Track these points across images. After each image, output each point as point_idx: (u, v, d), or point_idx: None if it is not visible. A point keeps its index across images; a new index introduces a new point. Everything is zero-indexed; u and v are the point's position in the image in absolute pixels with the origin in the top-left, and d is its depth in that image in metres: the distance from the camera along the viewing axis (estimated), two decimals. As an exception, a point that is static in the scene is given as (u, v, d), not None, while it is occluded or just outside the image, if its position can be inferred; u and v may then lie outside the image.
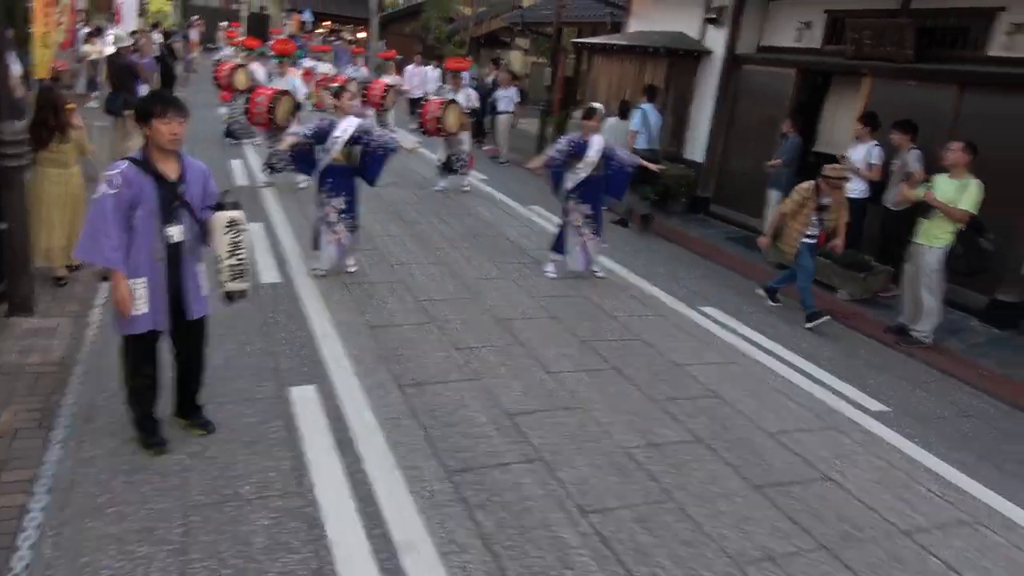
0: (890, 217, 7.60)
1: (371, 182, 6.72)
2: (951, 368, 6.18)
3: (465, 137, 10.61)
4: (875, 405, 5.36)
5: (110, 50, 11.52)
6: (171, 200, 3.63)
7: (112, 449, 3.85)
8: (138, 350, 3.75)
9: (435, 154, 11.16)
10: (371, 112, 12.79)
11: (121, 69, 10.27)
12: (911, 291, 6.62)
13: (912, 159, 7.33)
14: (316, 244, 6.73)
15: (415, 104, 16.05)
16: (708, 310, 6.97)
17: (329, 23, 40.36)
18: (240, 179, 10.22)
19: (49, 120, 5.55)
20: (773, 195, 9.29)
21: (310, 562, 3.20)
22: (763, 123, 9.92)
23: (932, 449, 4.79)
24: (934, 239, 6.35)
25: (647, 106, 9.93)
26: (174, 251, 3.68)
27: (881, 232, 7.80)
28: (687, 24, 11.07)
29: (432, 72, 16.59)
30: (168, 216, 3.62)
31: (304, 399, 4.54)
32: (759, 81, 10.16)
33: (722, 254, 9.06)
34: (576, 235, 7.38)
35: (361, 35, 31.70)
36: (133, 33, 13.65)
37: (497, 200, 10.68)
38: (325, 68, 17.11)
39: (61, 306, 5.50)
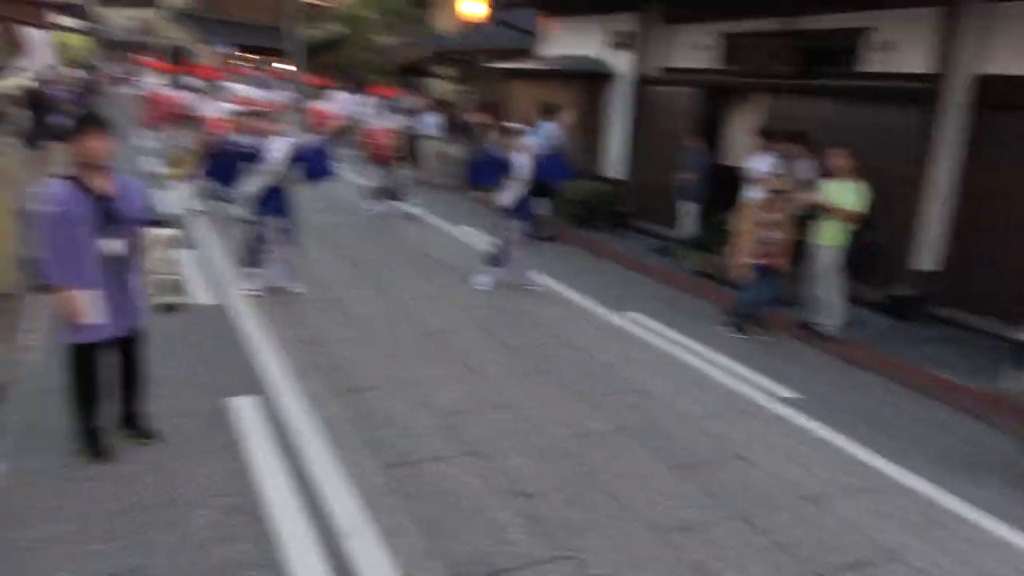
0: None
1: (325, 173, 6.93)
2: (851, 355, 6.72)
3: (404, 164, 10.84)
4: (785, 392, 5.81)
5: (27, 83, 11.34)
6: (108, 215, 3.77)
7: (56, 464, 3.92)
8: (83, 359, 3.85)
9: (364, 180, 11.35)
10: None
11: (39, 100, 10.14)
12: (813, 289, 7.17)
13: (803, 167, 7.95)
14: (252, 262, 6.84)
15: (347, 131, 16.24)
16: (634, 316, 7.35)
17: (251, 55, 40.11)
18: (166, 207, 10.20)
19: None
20: (686, 207, 9.87)
21: (252, 551, 3.37)
22: (672, 139, 10.50)
23: (835, 427, 5.24)
24: (828, 239, 6.91)
25: (547, 124, 10.44)
26: (115, 264, 3.82)
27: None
28: (594, 48, 11.64)
29: (361, 99, 16.82)
30: (107, 230, 3.76)
31: (243, 408, 4.68)
32: (666, 100, 10.77)
33: (646, 266, 9.45)
34: (513, 248, 7.72)
35: (290, 67, 31.63)
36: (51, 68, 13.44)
37: (427, 223, 10.94)
38: (256, 94, 17.20)
39: (-11, 334, 5.48)
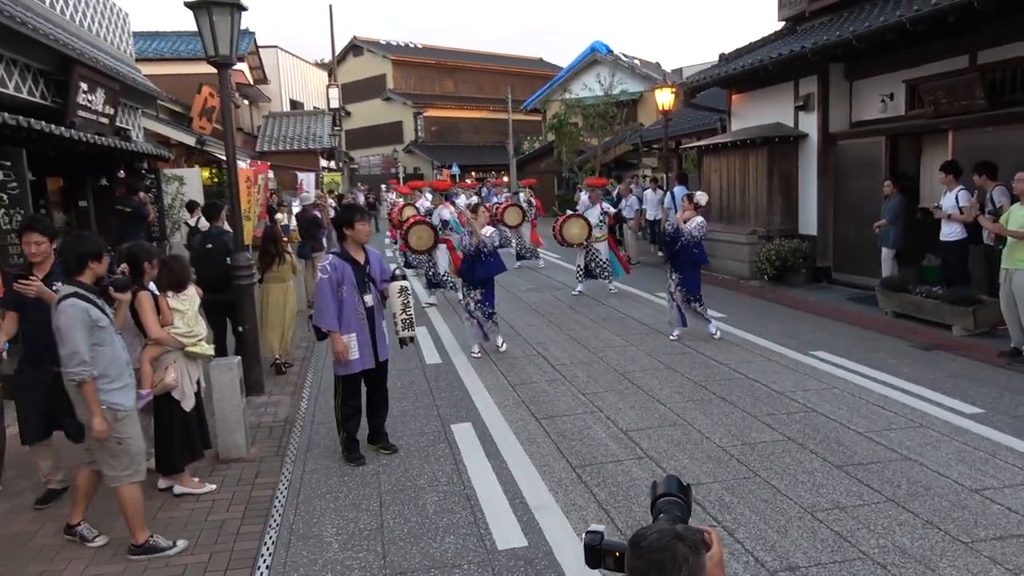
0: (991, 252, 8.04)
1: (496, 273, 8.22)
2: (1058, 377, 6.48)
3: (600, 247, 11.85)
4: (969, 409, 5.84)
5: (297, 209, 14.15)
6: (363, 277, 5.19)
7: (326, 465, 5.27)
8: (348, 387, 5.23)
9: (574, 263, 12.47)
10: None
11: (308, 222, 12.68)
12: (1011, 314, 7.04)
13: (997, 195, 7.86)
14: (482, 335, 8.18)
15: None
16: (817, 353, 7.64)
17: (475, 172, 44.58)
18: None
19: (271, 249, 7.54)
20: (885, 252, 9.89)
21: (466, 518, 4.36)
22: (865, 190, 10.62)
23: (1016, 434, 5.24)
24: (1018, 261, 6.84)
25: (678, 188, 11.12)
26: (369, 312, 5.20)
27: (987, 267, 8.21)
28: (782, 114, 12.16)
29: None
30: (363, 288, 5.17)
31: (461, 430, 5.81)
32: (854, 153, 10.96)
33: (842, 312, 9.63)
34: (670, 298, 8.45)
35: (504, 179, 35.07)
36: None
37: (626, 291, 11.86)
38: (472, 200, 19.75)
39: (281, 387, 7.21)
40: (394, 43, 50.60)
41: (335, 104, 35.23)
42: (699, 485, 4.64)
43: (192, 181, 14.59)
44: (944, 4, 7.91)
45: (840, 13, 11.64)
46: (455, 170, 40.97)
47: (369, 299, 5.23)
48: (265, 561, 3.99)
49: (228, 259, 7.44)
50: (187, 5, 6.51)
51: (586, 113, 26.21)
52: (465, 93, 49.62)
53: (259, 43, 28.46)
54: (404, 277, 5.27)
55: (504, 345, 8.29)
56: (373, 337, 5.25)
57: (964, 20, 8.04)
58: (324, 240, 12.35)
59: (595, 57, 31.13)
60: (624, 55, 32.40)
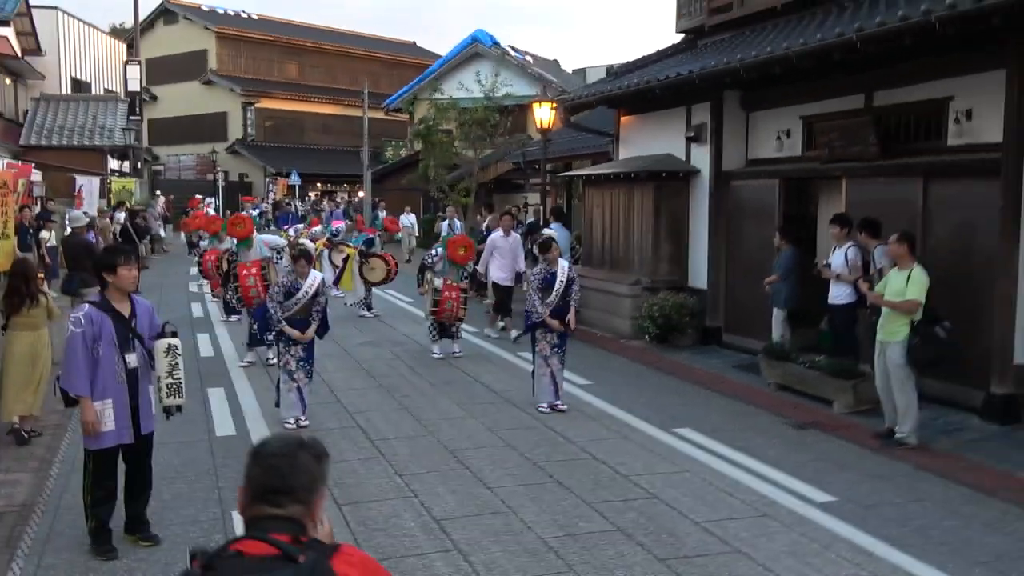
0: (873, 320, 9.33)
1: (320, 336, 8.88)
2: (926, 463, 7.67)
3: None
4: (821, 496, 6.89)
5: (66, 231, 14.30)
6: (126, 332, 5.69)
7: (69, 559, 5.69)
8: (100, 464, 5.68)
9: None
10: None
11: (77, 248, 12.89)
12: (886, 391, 8.25)
13: (878, 255, 9.17)
14: (278, 402, 8.73)
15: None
16: (681, 431, 8.63)
17: (320, 184, 44.91)
18: (205, 352, 12.50)
19: (21, 289, 7.87)
20: (776, 313, 11.14)
21: None
22: (759, 239, 11.92)
23: (860, 525, 6.29)
24: (892, 334, 8.07)
25: (555, 225, 12.22)
26: (131, 375, 5.69)
27: (871, 337, 9.49)
28: (673, 144, 13.45)
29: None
30: (125, 346, 5.66)
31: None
32: (750, 196, 12.30)
33: (723, 382, 10.77)
34: (544, 365, 9.26)
35: (361, 194, 35.58)
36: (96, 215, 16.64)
37: (482, 351, 12.68)
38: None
39: (23, 462, 7.51)
40: (221, 10, 50.68)
41: (135, 86, 34.93)
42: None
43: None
44: (829, 41, 9.26)
45: (742, 30, 13.10)
46: (294, 179, 41.28)
47: (132, 359, 5.73)
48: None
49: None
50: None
51: (462, 119, 27.24)
52: (313, 81, 50.19)
53: (32, 1, 28.10)
54: (174, 334, 5.81)
55: (306, 420, 8.81)
56: (135, 405, 5.74)
57: (853, 59, 9.41)
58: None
59: (476, 49, 32.46)
60: (513, 49, 33.94)
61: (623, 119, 15.12)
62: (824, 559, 5.76)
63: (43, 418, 8.59)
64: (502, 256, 13.63)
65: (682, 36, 14.97)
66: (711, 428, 8.73)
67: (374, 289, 16.15)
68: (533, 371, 9.53)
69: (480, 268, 14.03)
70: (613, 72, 15.29)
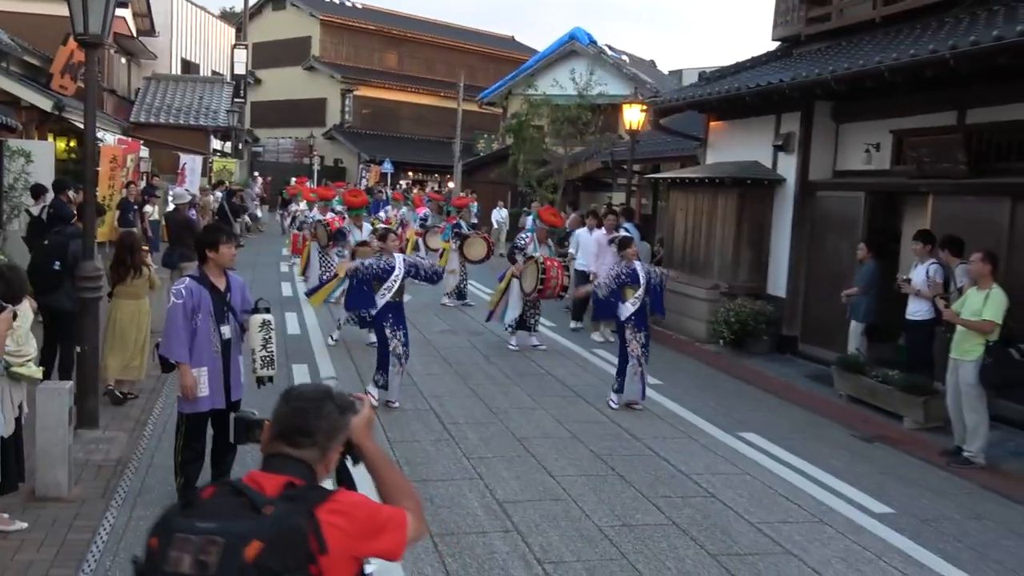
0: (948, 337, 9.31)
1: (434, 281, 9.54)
2: (991, 483, 7.68)
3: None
4: (879, 507, 6.98)
5: (169, 207, 15.05)
6: (222, 305, 6.13)
7: (158, 513, 6.14)
8: (192, 427, 6.13)
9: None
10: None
11: (179, 225, 13.58)
12: (956, 409, 8.26)
13: (959, 273, 9.14)
14: (382, 383, 9.09)
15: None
16: (747, 435, 8.76)
17: (411, 173, 45.69)
18: (292, 330, 13.05)
19: (127, 260, 8.44)
20: (854, 326, 11.14)
21: None
22: (842, 252, 11.92)
23: (915, 538, 6.37)
24: (966, 352, 8.07)
25: (628, 225, 12.67)
26: (225, 345, 6.13)
27: (946, 354, 9.46)
28: (761, 152, 13.49)
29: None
30: (220, 318, 6.10)
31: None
32: (834, 207, 12.28)
33: (794, 391, 10.82)
34: (637, 365, 9.49)
35: (451, 184, 36.18)
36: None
37: (558, 345, 12.94)
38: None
39: (120, 422, 8.07)
40: (326, -1, 51.68)
41: (240, 69, 36.17)
42: (560, 563, 5.66)
43: (42, 157, 15.29)
44: (921, 57, 9.25)
45: (838, 41, 13.10)
46: (387, 167, 42.06)
47: (227, 330, 6.16)
48: (73, 605, 4.87)
49: (57, 264, 8.36)
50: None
51: (554, 116, 27.51)
52: (411, 71, 50.99)
53: (150, -16, 29.31)
54: (267, 310, 6.22)
55: (398, 402, 9.22)
56: (227, 374, 6.18)
57: (946, 76, 9.38)
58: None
59: (573, 47, 32.69)
60: (610, 48, 34.07)
61: (712, 124, 15.20)
62: (875, 567, 5.88)
63: (138, 383, 9.17)
64: (608, 256, 13.00)
65: (778, 44, 14.99)
66: (777, 435, 8.84)
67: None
68: (621, 368, 9.71)
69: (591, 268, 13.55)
70: (705, 77, 15.36)
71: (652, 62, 39.38)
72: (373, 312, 9.21)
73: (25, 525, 5.77)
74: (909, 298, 9.80)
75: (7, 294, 5.58)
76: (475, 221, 24.82)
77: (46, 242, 8.32)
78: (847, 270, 11.77)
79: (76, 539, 5.68)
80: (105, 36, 7.80)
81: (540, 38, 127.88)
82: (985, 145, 10.04)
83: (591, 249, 13.61)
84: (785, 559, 5.93)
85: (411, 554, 5.66)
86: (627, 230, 13.21)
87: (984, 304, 7.96)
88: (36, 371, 5.82)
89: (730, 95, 12.92)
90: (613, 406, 9.50)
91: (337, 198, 17.68)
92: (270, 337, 6.21)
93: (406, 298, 9.46)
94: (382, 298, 9.00)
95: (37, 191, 12.48)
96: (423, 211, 20.50)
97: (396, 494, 2.50)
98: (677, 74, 37.59)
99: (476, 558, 5.69)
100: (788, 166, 13.00)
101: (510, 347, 12.42)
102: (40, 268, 8.27)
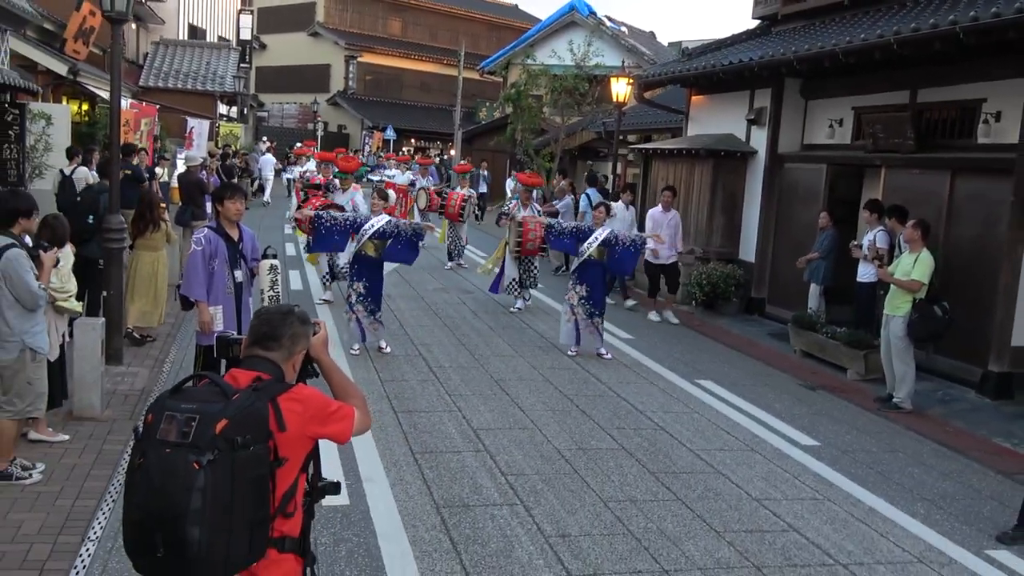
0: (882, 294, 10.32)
1: (409, 261, 10.29)
2: (914, 424, 8.70)
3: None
4: (807, 440, 8.02)
5: (181, 169, 16.03)
6: (235, 253, 7.13)
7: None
8: (208, 357, 7.14)
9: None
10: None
11: (191, 186, 14.56)
12: (887, 360, 9.27)
13: (879, 238, 10.18)
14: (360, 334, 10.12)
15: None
16: (703, 382, 9.79)
17: (414, 140, 46.53)
18: (295, 286, 14.07)
19: (146, 215, 9.45)
20: (814, 288, 12.14)
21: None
22: (807, 220, 12.89)
23: (832, 464, 7.41)
24: (896, 308, 9.08)
25: (591, 191, 14.11)
26: (238, 287, 7.14)
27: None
28: (736, 125, 14.42)
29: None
30: (234, 263, 7.10)
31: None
32: (801, 178, 13.24)
33: (754, 346, 11.85)
34: (570, 312, 10.51)
35: (453, 152, 37.08)
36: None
37: (540, 303, 13.96)
38: (403, 179, 22.15)
39: (141, 360, 9.11)
40: (331, -35, 52.24)
41: (246, 35, 36.95)
42: (521, 475, 6.70)
43: (60, 120, 16.20)
44: (871, 40, 10.17)
45: (812, 21, 13.95)
46: (390, 134, 42.93)
47: (239, 275, 7.17)
48: (112, 496, 5.91)
49: (91, 218, 9.35)
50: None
51: (552, 86, 28.32)
52: (415, 38, 51.72)
53: (157, -49, 30.09)
54: (275, 255, 7.23)
55: (388, 347, 10.25)
56: (238, 312, 7.19)
57: (898, 58, 10.29)
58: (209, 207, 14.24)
59: (573, 17, 33.34)
60: (609, 19, 34.75)
61: (694, 98, 16.11)
62: (790, 485, 6.92)
63: (157, 327, 10.19)
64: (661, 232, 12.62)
65: (758, 22, 15.85)
66: (730, 382, 9.87)
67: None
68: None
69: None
70: (687, 53, 16.23)
71: (652, 33, 40.03)
72: (341, 256, 10.21)
73: (67, 437, 6.82)
74: (859, 262, 10.79)
75: (53, 239, 6.59)
76: (484, 190, 26.43)
77: (78, 198, 9.33)
78: (810, 237, 12.72)
79: (110, 449, 6.73)
80: (129, 13, 8.74)
81: (543, 7, 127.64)
82: (931, 123, 10.99)
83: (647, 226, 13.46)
84: (714, 477, 6.97)
85: (394, 465, 6.73)
86: (589, 196, 14.29)
87: (913, 266, 8.95)
88: (76, 305, 6.84)
89: (706, 71, 13.84)
90: (571, 353, 10.56)
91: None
92: (276, 279, 7.21)
93: (387, 268, 10.45)
94: (350, 245, 10.04)
95: (71, 153, 13.46)
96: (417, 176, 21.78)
97: (345, 395, 3.27)
98: (677, 45, 38.20)
99: (450, 470, 6.73)
100: (760, 139, 13.94)
101: (512, 310, 13.26)
102: (74, 222, 9.25)
